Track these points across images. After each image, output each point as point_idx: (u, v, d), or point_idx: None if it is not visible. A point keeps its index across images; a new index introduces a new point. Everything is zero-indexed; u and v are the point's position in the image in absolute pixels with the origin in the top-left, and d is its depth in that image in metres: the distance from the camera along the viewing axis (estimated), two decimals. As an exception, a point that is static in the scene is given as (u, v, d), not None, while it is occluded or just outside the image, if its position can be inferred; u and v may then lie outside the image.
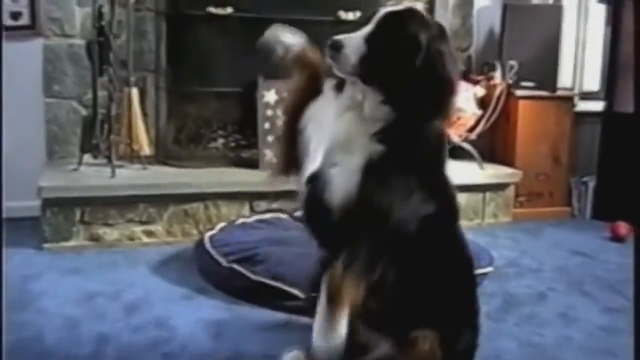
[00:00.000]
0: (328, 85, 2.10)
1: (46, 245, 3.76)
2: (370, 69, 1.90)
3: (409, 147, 1.95)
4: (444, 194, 2.08)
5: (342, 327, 1.92)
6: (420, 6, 2.15)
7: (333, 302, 1.92)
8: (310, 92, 2.14)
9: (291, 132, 2.15)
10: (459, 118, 4.55)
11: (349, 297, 1.90)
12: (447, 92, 1.94)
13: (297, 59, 2.14)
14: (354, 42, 1.90)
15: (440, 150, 2.08)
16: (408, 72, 1.88)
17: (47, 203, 3.77)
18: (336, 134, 1.98)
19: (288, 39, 2.15)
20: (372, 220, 1.90)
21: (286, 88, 2.25)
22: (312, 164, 2.03)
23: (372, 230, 1.91)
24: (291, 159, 2.18)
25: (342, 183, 1.93)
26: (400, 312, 2.03)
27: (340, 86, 2.04)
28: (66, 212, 3.79)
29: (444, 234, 2.11)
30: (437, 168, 2.08)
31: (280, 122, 4.29)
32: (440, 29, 1.99)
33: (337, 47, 1.89)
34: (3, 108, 3.88)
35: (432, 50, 1.90)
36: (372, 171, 1.91)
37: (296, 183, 2.15)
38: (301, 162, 2.11)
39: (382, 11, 1.95)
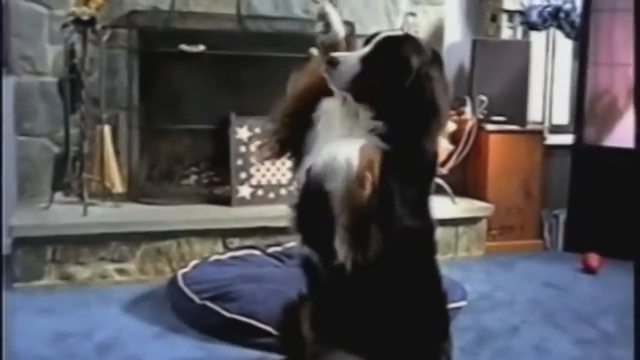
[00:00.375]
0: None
1: (17, 285, 3.71)
2: (362, 88, 2.00)
3: (402, 160, 1.99)
4: (427, 218, 2.15)
5: None
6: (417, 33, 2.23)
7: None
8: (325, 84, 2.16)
9: (298, 116, 2.21)
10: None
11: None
12: (433, 115, 2.00)
13: (331, 45, 2.19)
14: (350, 60, 2.00)
15: (426, 174, 2.16)
16: (398, 93, 1.98)
17: (18, 242, 3.73)
18: (339, 136, 2.06)
19: (335, 22, 2.19)
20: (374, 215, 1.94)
21: (303, 68, 2.29)
22: (315, 157, 2.06)
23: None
24: (289, 142, 2.23)
25: (343, 171, 1.94)
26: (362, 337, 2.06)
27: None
28: (37, 250, 3.75)
29: (424, 266, 2.17)
30: (424, 192, 2.15)
31: (253, 157, 4.30)
32: (435, 55, 2.07)
33: (334, 64, 2.00)
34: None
35: (422, 74, 1.98)
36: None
37: (293, 171, 2.23)
38: (300, 150, 2.18)
39: (381, 35, 2.05)
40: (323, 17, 2.19)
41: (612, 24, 4.84)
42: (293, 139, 2.20)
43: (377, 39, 2.04)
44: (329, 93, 2.13)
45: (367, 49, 2.04)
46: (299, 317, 2.29)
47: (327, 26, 2.19)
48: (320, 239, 2.01)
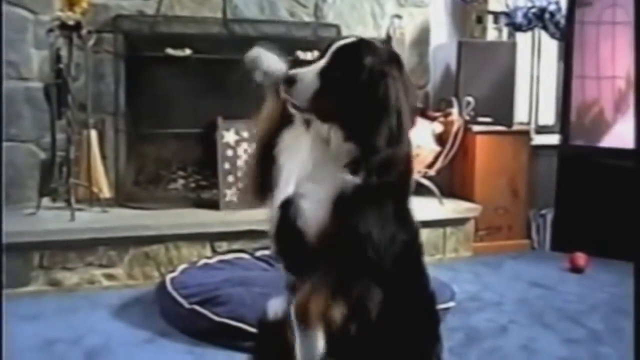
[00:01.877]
0: (299, 117, 2.05)
1: (4, 292, 3.70)
2: (325, 104, 1.88)
3: (378, 178, 1.91)
4: (410, 226, 2.09)
5: (318, 346, 1.87)
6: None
7: (302, 321, 1.88)
8: (284, 119, 2.09)
9: (264, 157, 2.12)
10: (417, 154, 4.60)
11: (319, 314, 1.86)
12: (398, 116, 1.91)
13: (274, 86, 2.09)
14: (307, 76, 1.89)
15: (404, 181, 2.07)
16: (361, 102, 1.87)
17: (5, 248, 3.71)
18: (306, 166, 1.97)
19: (267, 64, 2.12)
20: (346, 249, 1.88)
21: (260, 114, 2.22)
22: (284, 192, 2.00)
23: (346, 258, 1.89)
24: (263, 184, 2.13)
25: (313, 213, 1.91)
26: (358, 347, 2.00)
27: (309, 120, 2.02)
28: (24, 257, 3.74)
29: (411, 269, 2.12)
30: (403, 200, 2.09)
31: (240, 161, 4.31)
32: (393, 56, 1.99)
33: (291, 82, 1.88)
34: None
35: (379, 76, 1.89)
36: (344, 202, 1.89)
37: (267, 207, 2.10)
38: (272, 188, 2.07)
39: (335, 44, 1.95)
40: (255, 63, 2.09)
41: (598, 37, 4.87)
42: (268, 179, 2.10)
43: (332, 49, 1.94)
44: (287, 124, 2.05)
45: (323, 61, 1.92)
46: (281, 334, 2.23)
47: (263, 70, 2.09)
48: (301, 268, 1.98)
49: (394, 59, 1.98)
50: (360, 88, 1.88)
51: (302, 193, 1.94)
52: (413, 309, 2.09)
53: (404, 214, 2.07)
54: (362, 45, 1.95)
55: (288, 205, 1.97)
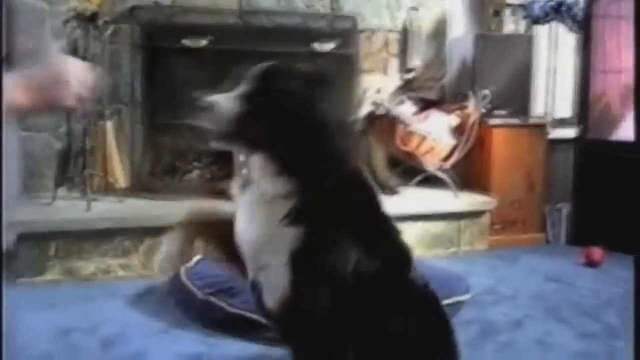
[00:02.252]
0: (235, 189, 1.98)
1: (20, 280, 3.72)
2: (247, 129, 1.78)
3: (329, 210, 1.82)
4: (385, 239, 1.96)
5: None
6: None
7: None
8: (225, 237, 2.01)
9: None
10: (433, 147, 4.59)
11: None
12: (329, 137, 1.82)
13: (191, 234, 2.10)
14: (224, 101, 1.79)
15: (364, 195, 1.93)
16: (287, 126, 1.78)
17: (21, 237, 3.73)
18: (250, 238, 1.88)
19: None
20: (315, 311, 1.82)
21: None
22: (250, 270, 1.94)
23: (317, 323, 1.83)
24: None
25: (273, 285, 1.83)
26: None
27: (245, 184, 1.92)
28: (41, 246, 3.76)
29: (395, 290, 1.96)
30: (369, 214, 1.94)
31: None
32: (317, 78, 1.90)
33: (208, 108, 1.78)
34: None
35: (305, 99, 1.81)
36: (301, 259, 1.79)
37: None
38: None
39: (255, 68, 1.87)
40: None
41: (604, 31, 4.84)
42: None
43: (251, 73, 1.85)
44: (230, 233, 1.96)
45: (244, 85, 1.83)
46: None
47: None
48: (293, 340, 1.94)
49: (319, 80, 1.90)
50: (285, 113, 1.78)
51: (259, 267, 1.88)
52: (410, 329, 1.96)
53: (374, 229, 1.93)
54: (281, 69, 1.87)
55: (255, 287, 1.91)
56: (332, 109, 1.86)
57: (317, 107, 1.82)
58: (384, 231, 1.96)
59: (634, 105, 4.54)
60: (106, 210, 3.96)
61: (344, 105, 4.77)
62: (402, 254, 2.00)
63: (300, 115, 1.79)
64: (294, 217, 1.80)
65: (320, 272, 1.81)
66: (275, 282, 1.83)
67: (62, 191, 4.09)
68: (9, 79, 1.66)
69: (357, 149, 1.86)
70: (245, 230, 1.90)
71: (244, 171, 1.91)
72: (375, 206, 1.95)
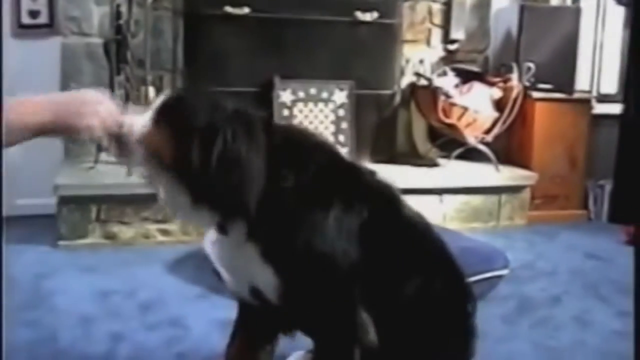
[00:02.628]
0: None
1: (61, 243, 3.78)
2: (162, 152, 1.75)
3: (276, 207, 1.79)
4: (370, 198, 1.91)
5: None
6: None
7: None
8: None
9: None
10: (474, 120, 4.54)
11: None
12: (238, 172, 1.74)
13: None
14: (136, 120, 1.77)
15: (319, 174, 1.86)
16: (192, 155, 1.71)
17: (63, 201, 3.79)
18: (227, 264, 1.94)
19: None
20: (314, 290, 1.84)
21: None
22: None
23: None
24: None
25: (267, 285, 1.84)
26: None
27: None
28: (82, 210, 3.81)
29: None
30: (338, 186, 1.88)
31: (296, 122, 4.30)
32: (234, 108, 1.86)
33: (118, 129, 1.76)
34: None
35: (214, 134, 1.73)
36: (272, 254, 1.80)
37: None
38: None
39: (172, 92, 1.89)
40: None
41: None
42: None
43: (166, 96, 1.83)
44: None
45: (156, 106, 1.79)
46: None
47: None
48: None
49: (232, 107, 1.85)
50: (198, 141, 1.72)
51: (248, 279, 1.89)
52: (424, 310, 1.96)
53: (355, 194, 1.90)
54: (199, 97, 1.87)
55: (256, 294, 1.91)
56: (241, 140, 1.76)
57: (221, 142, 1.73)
58: (357, 186, 1.93)
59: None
60: (147, 175, 3.98)
61: (386, 76, 4.75)
62: (385, 195, 1.98)
63: (204, 147, 1.73)
64: (220, 227, 1.83)
65: (292, 255, 1.81)
66: (265, 282, 1.84)
67: (104, 156, 4.12)
68: (37, 98, 1.74)
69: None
70: (219, 257, 1.96)
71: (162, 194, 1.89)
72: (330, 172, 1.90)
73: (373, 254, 1.87)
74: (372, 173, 1.98)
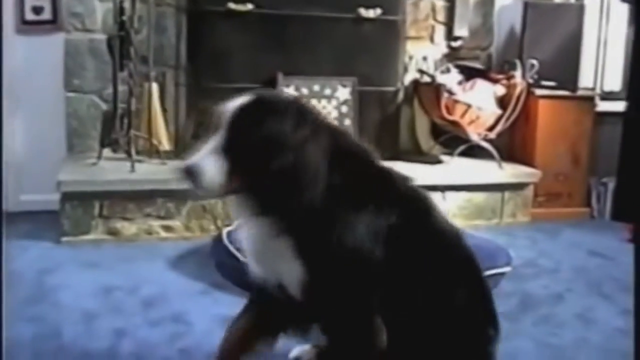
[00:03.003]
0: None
1: (64, 239, 3.79)
2: (235, 181, 1.75)
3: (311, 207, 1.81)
4: (400, 204, 1.94)
5: None
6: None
7: None
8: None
9: None
10: (478, 117, 4.54)
11: None
12: (309, 174, 1.77)
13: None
14: (207, 162, 1.72)
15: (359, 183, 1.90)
16: (274, 169, 1.73)
17: (66, 197, 3.79)
18: (258, 259, 1.96)
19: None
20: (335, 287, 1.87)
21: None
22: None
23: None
24: None
25: (293, 280, 1.88)
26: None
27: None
28: (85, 206, 3.81)
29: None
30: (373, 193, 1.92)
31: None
32: (299, 106, 1.85)
33: (194, 175, 1.72)
34: (22, 102, 3.92)
35: (294, 140, 1.75)
36: (304, 249, 1.84)
37: None
38: None
39: (231, 107, 1.78)
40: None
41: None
42: None
43: (227, 116, 1.76)
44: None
45: (222, 133, 1.75)
46: None
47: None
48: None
49: (297, 109, 1.83)
50: (270, 156, 1.73)
51: (277, 273, 1.93)
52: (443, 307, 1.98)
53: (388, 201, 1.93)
54: (256, 107, 1.79)
55: (281, 289, 1.95)
56: (310, 138, 1.78)
57: (296, 149, 1.75)
58: (390, 191, 1.95)
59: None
60: (150, 172, 3.99)
61: (389, 73, 4.75)
62: (416, 203, 2.00)
63: (274, 156, 1.73)
64: (283, 230, 1.83)
65: (322, 253, 1.84)
66: (292, 276, 1.87)
67: (107, 152, 4.12)
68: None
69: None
70: (252, 250, 1.96)
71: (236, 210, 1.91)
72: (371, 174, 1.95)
73: (397, 258, 1.89)
74: (406, 179, 2.01)
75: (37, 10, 4.25)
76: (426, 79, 4.71)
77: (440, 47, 4.94)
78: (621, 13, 5.31)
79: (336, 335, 1.96)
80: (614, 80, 5.39)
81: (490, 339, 2.05)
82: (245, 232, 1.96)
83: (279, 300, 1.98)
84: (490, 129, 4.62)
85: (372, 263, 1.85)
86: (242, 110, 1.77)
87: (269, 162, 1.72)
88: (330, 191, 1.80)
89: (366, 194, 1.88)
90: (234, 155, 1.73)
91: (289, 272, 1.87)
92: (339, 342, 1.94)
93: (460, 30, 4.90)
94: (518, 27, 4.88)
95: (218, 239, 3.51)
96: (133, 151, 4.00)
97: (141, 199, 3.87)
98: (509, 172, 4.63)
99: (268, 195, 1.77)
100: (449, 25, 4.92)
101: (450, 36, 4.93)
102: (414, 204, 1.98)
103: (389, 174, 1.99)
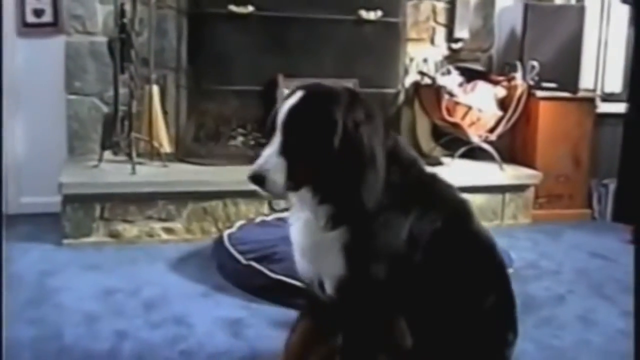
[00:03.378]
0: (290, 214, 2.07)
1: (66, 241, 3.79)
2: (299, 178, 1.83)
3: (374, 209, 1.86)
4: (445, 209, 2.01)
5: None
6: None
7: None
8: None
9: None
10: (479, 119, 4.54)
11: None
12: (371, 164, 1.83)
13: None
14: (272, 164, 1.80)
15: (410, 183, 1.96)
16: (330, 161, 1.80)
17: (68, 199, 3.79)
18: (305, 248, 2.00)
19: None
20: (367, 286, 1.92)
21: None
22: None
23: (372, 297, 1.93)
24: None
25: (331, 274, 1.94)
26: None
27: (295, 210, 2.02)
28: (86, 208, 3.81)
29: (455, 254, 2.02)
30: (423, 191, 1.99)
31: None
32: (351, 95, 1.89)
33: (261, 180, 1.80)
34: (23, 104, 3.92)
35: (348, 126, 1.81)
36: (348, 247, 1.89)
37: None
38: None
39: (283, 109, 1.85)
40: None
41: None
42: None
43: (282, 116, 1.83)
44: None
45: (279, 136, 1.82)
46: None
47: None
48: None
49: (354, 97, 1.89)
50: (332, 147, 1.79)
51: (319, 266, 1.99)
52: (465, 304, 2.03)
53: (431, 203, 1.99)
54: (311, 102, 1.85)
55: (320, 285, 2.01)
56: (368, 125, 1.85)
57: (356, 136, 1.82)
58: (436, 196, 2.02)
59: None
60: (151, 174, 3.99)
61: (390, 75, 4.75)
62: (459, 208, 2.08)
63: (340, 151, 1.80)
64: (336, 222, 1.88)
65: (367, 251, 1.90)
66: (332, 271, 1.92)
67: (108, 154, 4.12)
68: None
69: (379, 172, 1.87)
70: (301, 244, 2.02)
71: (293, 200, 1.98)
72: (419, 181, 2.01)
73: (437, 262, 1.95)
74: (449, 185, 2.09)
75: (38, 12, 4.25)
76: (427, 80, 4.71)
77: (440, 49, 4.94)
78: (621, 14, 5.31)
79: (349, 333, 1.99)
80: (615, 81, 5.38)
81: (509, 344, 2.13)
82: (297, 227, 2.01)
83: (326, 304, 2.03)
84: (491, 130, 4.62)
85: (409, 267, 1.91)
86: (295, 108, 1.84)
87: (325, 148, 1.79)
88: (386, 189, 1.87)
89: (416, 198, 1.94)
90: (293, 154, 1.81)
91: (331, 266, 1.92)
92: (351, 341, 1.98)
93: (461, 32, 4.90)
94: (519, 29, 4.88)
95: (219, 241, 3.51)
96: (134, 153, 4.00)
97: (142, 201, 3.87)
98: (510, 174, 4.63)
99: (328, 183, 1.84)
100: (450, 27, 4.92)
101: (450, 38, 4.93)
102: (457, 210, 2.06)
103: (434, 179, 2.06)
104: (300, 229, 1.99)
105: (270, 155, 1.82)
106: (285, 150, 1.81)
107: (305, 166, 1.82)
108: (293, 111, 1.83)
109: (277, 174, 1.80)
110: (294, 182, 1.83)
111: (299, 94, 1.85)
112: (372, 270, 1.89)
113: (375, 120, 1.88)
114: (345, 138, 1.80)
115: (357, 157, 1.80)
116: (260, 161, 1.82)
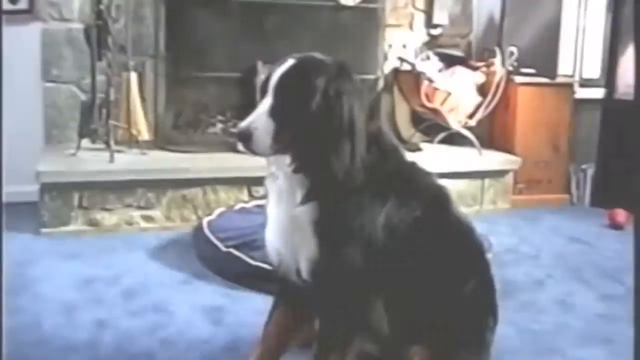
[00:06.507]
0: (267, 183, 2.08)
1: (44, 230, 3.76)
2: (284, 140, 1.85)
3: (348, 189, 1.88)
4: (423, 197, 2.03)
5: None
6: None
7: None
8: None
9: None
10: (458, 105, 4.55)
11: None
12: (354, 134, 1.85)
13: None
14: (259, 123, 1.84)
15: (387, 165, 1.98)
16: (314, 128, 1.83)
17: (46, 188, 3.76)
18: (278, 220, 2.01)
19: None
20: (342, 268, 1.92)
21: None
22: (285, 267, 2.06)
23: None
24: None
25: (305, 255, 1.94)
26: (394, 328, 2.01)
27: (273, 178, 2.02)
28: (64, 197, 3.78)
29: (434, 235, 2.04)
30: (399, 175, 2.01)
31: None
32: (339, 67, 1.92)
33: (247, 136, 1.83)
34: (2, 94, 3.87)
35: (330, 94, 1.84)
36: (321, 225, 1.90)
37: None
38: None
39: (275, 75, 1.90)
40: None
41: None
42: None
43: (274, 80, 1.89)
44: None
45: (268, 98, 1.87)
46: None
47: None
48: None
49: (342, 70, 1.93)
50: (314, 114, 1.84)
51: (292, 244, 1.98)
52: (441, 282, 2.04)
53: (408, 186, 2.02)
54: (301, 69, 1.90)
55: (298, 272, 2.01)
56: (355, 100, 1.88)
57: (337, 105, 1.85)
58: (414, 184, 2.04)
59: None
60: (129, 162, 3.97)
61: (369, 61, 4.74)
62: (438, 195, 2.10)
63: (321, 118, 1.84)
64: (309, 195, 1.90)
65: (340, 232, 1.91)
66: (306, 253, 1.93)
67: (85, 142, 4.09)
68: None
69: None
70: (275, 215, 2.02)
71: (272, 168, 2.00)
72: (398, 165, 2.03)
73: (417, 248, 1.97)
74: (427, 173, 2.11)
75: (13, -1, 4.20)
76: (406, 66, 4.71)
77: (420, 34, 4.94)
78: (599, 0, 5.33)
79: (326, 318, 2.00)
80: (593, 67, 5.40)
81: (490, 329, 2.14)
82: (272, 199, 2.03)
83: (301, 288, 2.03)
84: (470, 116, 4.63)
85: (388, 253, 1.92)
86: (286, 73, 1.89)
87: (305, 113, 1.83)
88: (364, 172, 1.88)
89: (394, 185, 1.96)
90: (281, 117, 1.84)
91: (305, 249, 1.92)
92: (328, 326, 1.99)
93: (440, 18, 4.90)
94: (497, 15, 4.90)
95: (199, 229, 3.50)
96: (112, 141, 3.97)
97: (121, 189, 3.85)
98: (489, 159, 4.65)
99: (306, 150, 1.86)
100: (429, 13, 4.92)
101: (430, 24, 4.93)
102: (435, 197, 2.08)
103: (413, 168, 2.07)
104: (275, 200, 2.01)
105: (259, 115, 1.86)
106: (274, 113, 1.85)
107: (289, 131, 1.84)
108: (283, 76, 1.88)
109: (264, 134, 1.83)
110: (278, 145, 1.85)
111: (290, 61, 1.91)
112: (345, 252, 1.90)
113: (359, 95, 1.91)
114: (325, 105, 1.83)
115: (335, 125, 1.83)
116: (249, 119, 1.86)
